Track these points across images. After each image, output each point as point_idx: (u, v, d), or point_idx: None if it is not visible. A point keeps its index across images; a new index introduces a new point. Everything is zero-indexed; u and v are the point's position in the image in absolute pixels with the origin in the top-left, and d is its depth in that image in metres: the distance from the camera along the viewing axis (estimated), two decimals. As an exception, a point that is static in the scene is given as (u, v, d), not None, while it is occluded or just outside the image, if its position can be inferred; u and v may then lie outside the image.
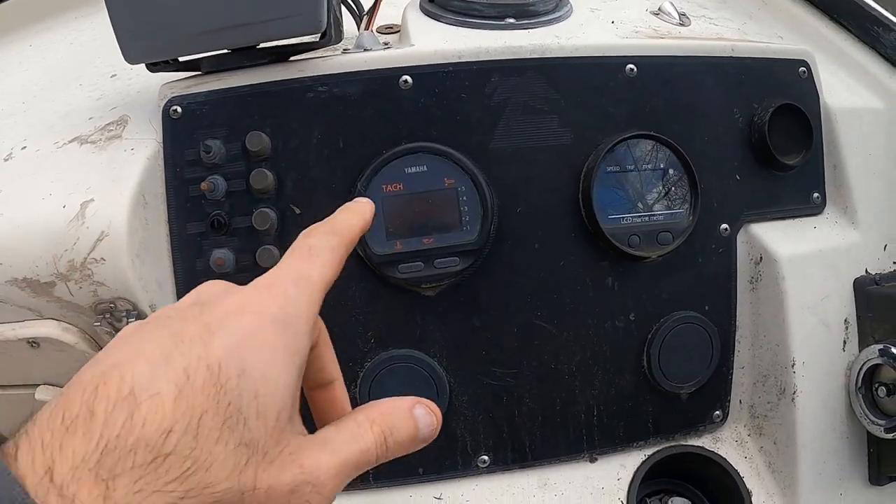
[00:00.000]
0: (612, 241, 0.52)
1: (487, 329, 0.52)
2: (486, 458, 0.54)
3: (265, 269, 0.51)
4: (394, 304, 0.51)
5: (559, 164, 0.53)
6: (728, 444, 0.57)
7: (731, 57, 0.57)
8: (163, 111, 0.52)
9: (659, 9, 0.65)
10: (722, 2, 0.71)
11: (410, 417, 0.29)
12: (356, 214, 0.34)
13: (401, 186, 0.50)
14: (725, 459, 0.56)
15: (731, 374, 0.57)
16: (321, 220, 0.34)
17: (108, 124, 0.58)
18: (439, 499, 0.54)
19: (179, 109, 0.52)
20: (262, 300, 0.26)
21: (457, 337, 0.52)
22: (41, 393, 0.55)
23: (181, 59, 0.54)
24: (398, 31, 0.63)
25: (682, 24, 0.63)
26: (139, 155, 0.53)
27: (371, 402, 0.29)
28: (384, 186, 0.50)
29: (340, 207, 0.35)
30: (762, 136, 0.55)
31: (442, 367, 0.52)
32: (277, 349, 0.25)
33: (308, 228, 0.32)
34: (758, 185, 0.56)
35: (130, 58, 0.53)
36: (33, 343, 0.52)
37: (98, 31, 0.78)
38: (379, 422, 0.28)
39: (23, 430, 0.22)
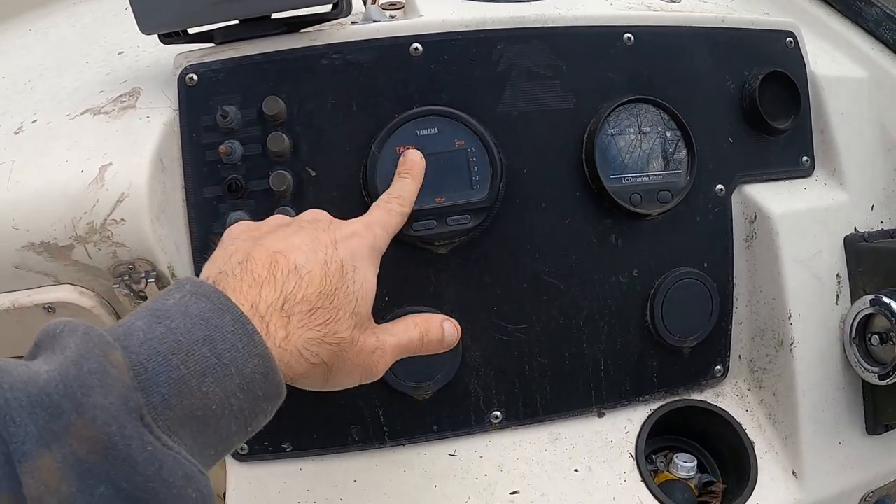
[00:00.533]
0: (615, 199, 0.55)
1: (498, 285, 0.55)
2: (498, 413, 0.56)
3: (282, 230, 0.54)
4: (407, 261, 0.54)
5: (563, 127, 0.56)
6: (729, 398, 0.60)
7: (721, 28, 0.61)
8: (178, 79, 0.55)
9: (651, -14, 0.69)
10: None
11: (440, 327, 0.46)
12: (416, 181, 0.50)
13: (413, 148, 0.53)
14: (728, 413, 0.59)
15: (731, 329, 0.60)
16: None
17: (121, 96, 0.60)
18: (454, 455, 0.56)
19: (195, 77, 0.54)
20: (365, 233, 0.43)
21: (469, 293, 0.55)
22: (55, 360, 0.57)
23: (194, 30, 0.57)
24: (401, 8, 0.67)
25: (672, 1, 0.68)
26: (155, 122, 0.55)
27: (416, 313, 0.47)
28: (397, 148, 0.53)
29: (402, 169, 0.51)
30: (753, 101, 0.59)
31: (454, 323, 0.54)
32: (371, 262, 0.42)
33: (384, 194, 0.49)
34: (750, 149, 0.60)
35: (146, 28, 0.55)
36: (49, 308, 0.54)
37: (99, 13, 0.81)
38: (420, 324, 0.46)
39: (210, 279, 0.36)
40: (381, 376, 0.43)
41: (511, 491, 0.54)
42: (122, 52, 0.68)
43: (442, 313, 0.54)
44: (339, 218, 0.52)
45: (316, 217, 0.43)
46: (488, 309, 0.55)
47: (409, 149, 0.52)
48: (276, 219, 0.44)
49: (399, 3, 0.67)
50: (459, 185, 0.54)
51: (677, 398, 0.59)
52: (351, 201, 0.54)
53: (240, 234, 0.41)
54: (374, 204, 0.47)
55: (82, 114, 0.59)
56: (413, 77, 0.54)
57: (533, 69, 0.56)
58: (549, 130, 0.56)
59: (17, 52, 0.75)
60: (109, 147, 0.54)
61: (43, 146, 0.57)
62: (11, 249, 0.53)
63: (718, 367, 0.60)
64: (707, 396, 0.60)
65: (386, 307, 0.54)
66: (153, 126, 0.55)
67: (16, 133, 0.60)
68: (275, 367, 0.33)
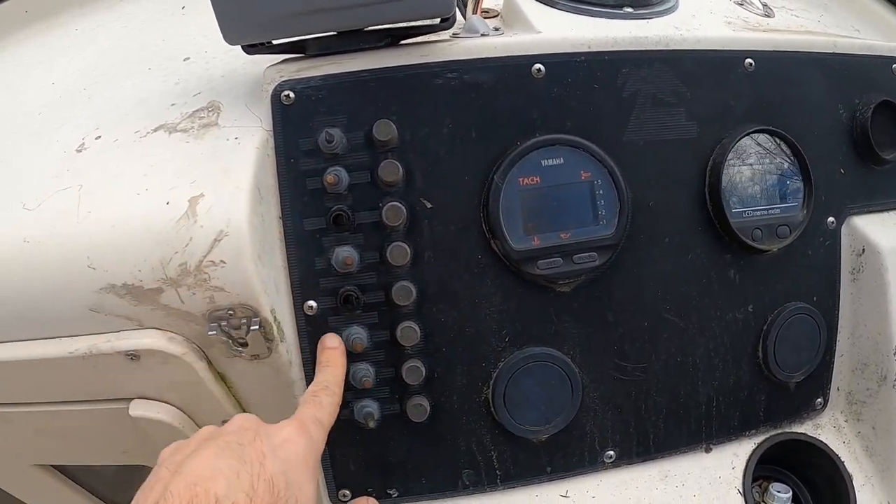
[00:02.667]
0: (738, 235, 0.48)
1: (620, 324, 0.47)
2: (611, 452, 0.49)
3: (396, 268, 0.44)
4: (528, 301, 0.45)
5: (686, 158, 0.48)
6: (827, 429, 0.54)
7: (833, 53, 0.53)
8: (272, 96, 0.44)
9: None
10: None
11: None
12: (341, 367, 0.43)
13: (538, 179, 0.44)
14: (827, 445, 0.53)
15: (833, 362, 0.54)
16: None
17: (197, 111, 0.49)
18: (565, 496, 0.49)
19: (292, 94, 0.44)
20: (297, 437, 0.36)
21: (591, 333, 0.47)
22: (137, 408, 0.46)
23: (282, 41, 0.46)
24: (496, 16, 0.56)
25: (766, 16, 0.59)
26: (246, 144, 0.44)
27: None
28: (521, 179, 0.44)
29: (323, 359, 0.43)
30: (865, 131, 0.52)
31: (575, 364, 0.46)
32: (306, 469, 0.35)
33: (311, 386, 0.41)
34: (858, 180, 0.53)
35: (231, 38, 0.44)
36: (133, 356, 0.43)
37: (151, 14, 0.67)
38: None
39: None
40: None
41: (626, 533, 0.47)
42: (189, 59, 0.56)
43: (563, 354, 0.46)
44: (457, 254, 0.45)
45: (243, 426, 0.36)
46: (610, 349, 0.47)
47: (325, 335, 0.44)
48: (203, 431, 0.36)
49: (493, 10, 0.56)
50: (584, 220, 0.45)
51: (780, 431, 0.53)
52: (470, 236, 0.44)
53: (164, 460, 0.34)
54: (302, 399, 0.40)
55: (155, 131, 0.48)
56: (535, 101, 0.45)
57: (658, 95, 0.47)
58: (673, 161, 0.47)
59: (63, 54, 0.62)
60: (196, 174, 0.43)
61: (113, 169, 0.45)
62: (87, 291, 0.42)
63: (819, 399, 0.54)
64: (806, 428, 0.54)
65: (505, 349, 0.46)
66: (245, 150, 0.44)
67: (78, 151, 0.48)
68: None
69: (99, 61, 0.59)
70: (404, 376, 0.44)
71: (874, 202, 0.54)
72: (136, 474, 0.67)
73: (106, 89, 0.55)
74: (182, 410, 0.48)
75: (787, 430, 0.53)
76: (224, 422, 0.40)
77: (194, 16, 0.65)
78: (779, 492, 0.53)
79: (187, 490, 0.30)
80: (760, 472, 0.55)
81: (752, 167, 0.49)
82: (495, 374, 0.45)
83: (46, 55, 0.63)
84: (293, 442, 0.35)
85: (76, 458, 0.58)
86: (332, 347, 0.43)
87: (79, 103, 0.54)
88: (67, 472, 0.62)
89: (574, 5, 0.50)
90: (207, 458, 0.32)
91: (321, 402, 0.39)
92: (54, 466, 0.61)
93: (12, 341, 0.46)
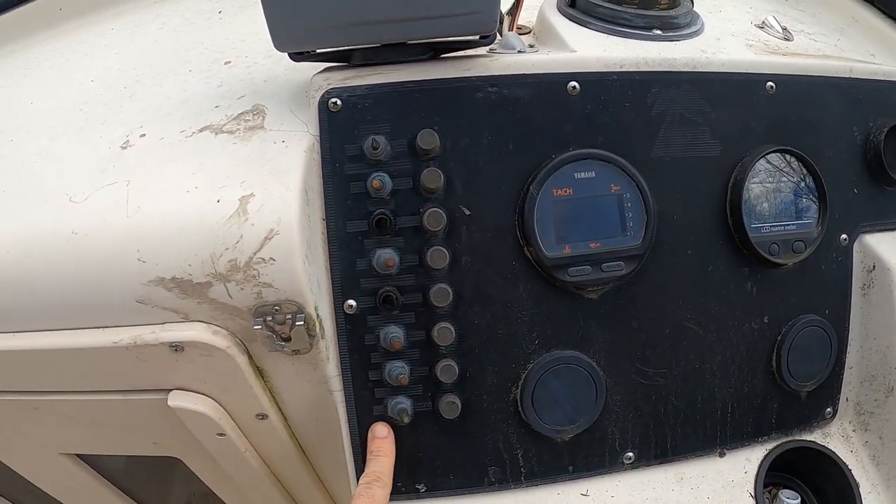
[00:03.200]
0: (756, 249, 0.51)
1: (643, 331, 0.50)
2: (631, 454, 0.51)
3: (434, 271, 0.47)
4: (558, 306, 0.48)
5: (709, 175, 0.51)
6: (836, 438, 0.57)
7: (849, 78, 0.56)
8: (320, 102, 0.46)
9: (763, 22, 0.64)
10: (813, 17, 0.71)
11: None
12: (390, 456, 0.45)
13: (570, 191, 0.47)
14: (835, 453, 0.56)
15: (843, 373, 0.57)
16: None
17: (242, 114, 0.51)
18: (586, 495, 0.51)
19: (339, 102, 0.46)
20: None
21: (616, 339, 0.49)
22: (175, 399, 0.49)
23: (328, 49, 0.48)
24: (529, 32, 0.59)
25: (786, 39, 0.62)
26: (294, 148, 0.47)
27: None
28: (555, 191, 0.47)
29: (374, 448, 0.45)
30: (878, 153, 0.55)
31: (600, 367, 0.49)
32: None
33: (363, 478, 0.43)
34: (871, 199, 0.56)
35: (281, 45, 0.46)
36: (177, 347, 0.45)
37: (187, 15, 0.70)
38: None
39: None
40: None
41: (644, 532, 0.50)
42: (230, 62, 0.59)
43: (589, 357, 0.49)
44: (492, 260, 0.47)
45: None
46: (632, 354, 0.50)
47: (374, 424, 0.47)
48: None
49: (526, 27, 0.59)
50: (613, 231, 0.48)
51: (791, 438, 0.56)
52: (505, 243, 0.47)
53: None
54: (356, 492, 0.42)
55: (200, 131, 0.50)
56: (570, 116, 0.48)
57: (685, 115, 0.50)
58: (696, 177, 0.50)
59: (102, 52, 0.64)
60: (245, 174, 0.45)
61: (160, 167, 0.48)
62: (136, 283, 0.44)
63: (829, 409, 0.57)
64: (816, 437, 0.57)
65: (535, 351, 0.48)
66: (293, 153, 0.46)
67: (123, 148, 0.51)
68: None
69: (138, 61, 0.61)
70: (438, 375, 0.46)
71: (885, 221, 0.57)
72: (159, 467, 0.69)
73: (148, 88, 0.57)
74: (218, 402, 0.50)
75: (798, 437, 0.56)
76: (258, 415, 0.42)
77: (231, 20, 0.67)
78: (788, 498, 0.55)
79: None
80: (771, 478, 0.58)
81: (771, 185, 0.52)
82: (524, 375, 0.48)
83: (84, 52, 0.66)
84: None
85: (106, 448, 0.59)
86: (382, 437, 0.46)
87: (121, 101, 0.56)
88: (92, 463, 0.64)
89: (606, 26, 0.53)
90: None
91: (374, 496, 0.42)
92: (80, 456, 0.63)
93: (56, 330, 0.48)
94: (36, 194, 0.48)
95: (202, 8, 0.69)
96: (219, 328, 0.46)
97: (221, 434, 0.51)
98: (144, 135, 0.51)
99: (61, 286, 0.46)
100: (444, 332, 0.46)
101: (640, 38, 0.52)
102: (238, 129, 0.49)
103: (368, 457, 0.45)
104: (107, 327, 0.47)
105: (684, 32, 0.54)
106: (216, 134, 0.50)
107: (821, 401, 0.56)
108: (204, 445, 0.52)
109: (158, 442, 0.56)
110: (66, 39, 0.70)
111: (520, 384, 0.48)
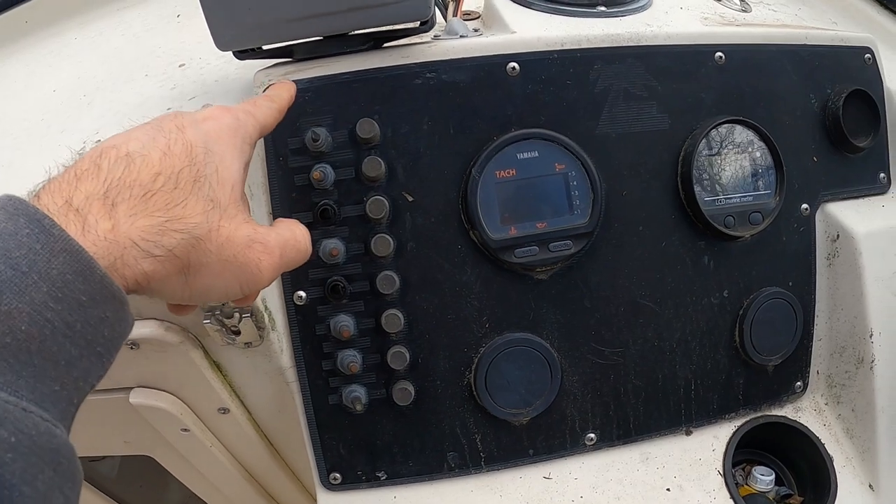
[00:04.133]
0: (710, 222, 0.51)
1: (597, 310, 0.50)
2: (592, 435, 0.52)
3: (380, 258, 0.48)
4: (507, 288, 0.48)
5: (659, 149, 0.51)
6: (808, 412, 0.57)
7: (804, 45, 0.56)
8: (261, 99, 0.48)
9: (720, -3, 0.64)
10: None
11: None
12: (286, 89, 0.42)
13: (513, 172, 0.47)
14: (807, 428, 0.56)
15: (811, 346, 0.56)
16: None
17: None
18: (548, 478, 0.51)
19: (280, 97, 0.47)
20: (221, 115, 0.34)
21: (568, 319, 0.50)
22: (136, 396, 0.50)
23: (271, 46, 0.50)
24: (477, 18, 0.60)
25: (744, 10, 0.62)
26: (238, 144, 0.48)
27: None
28: (497, 172, 0.47)
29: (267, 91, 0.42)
30: (836, 120, 0.55)
31: (554, 348, 0.49)
32: (230, 145, 0.33)
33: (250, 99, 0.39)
34: (832, 167, 0.56)
35: (222, 44, 0.47)
36: (133, 345, 0.47)
37: (148, 20, 0.72)
38: (299, 226, 0.37)
39: (39, 188, 0.28)
40: (268, 282, 0.34)
41: (608, 513, 0.50)
42: (184, 65, 0.60)
43: (541, 339, 0.50)
44: (438, 244, 0.47)
45: (167, 115, 0.34)
46: (587, 334, 0.50)
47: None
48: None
49: (475, 13, 0.60)
50: (560, 210, 0.48)
51: (760, 414, 0.55)
52: (450, 227, 0.48)
53: None
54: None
55: (152, 133, 0.52)
56: (511, 97, 0.48)
57: (630, 90, 0.50)
58: (645, 152, 0.50)
59: (65, 62, 0.66)
60: (191, 172, 0.47)
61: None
62: (89, 282, 0.46)
63: (799, 383, 0.56)
64: (787, 412, 0.56)
65: (486, 334, 0.49)
66: (237, 149, 0.47)
67: (79, 153, 0.52)
68: (91, 262, 0.26)
69: (98, 69, 0.63)
70: (389, 362, 0.47)
71: (847, 189, 0.56)
72: (154, 471, 0.70)
73: (106, 95, 0.59)
74: (179, 398, 0.51)
75: (768, 413, 0.56)
76: (220, 409, 0.42)
77: (189, 23, 0.69)
78: (762, 475, 0.55)
79: (98, 152, 0.29)
80: (744, 455, 0.58)
81: (724, 156, 0.52)
82: (477, 359, 0.49)
83: (47, 63, 0.68)
84: (215, 119, 0.34)
85: (79, 450, 0.61)
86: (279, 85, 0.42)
87: (80, 109, 0.58)
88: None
89: (549, 5, 0.53)
90: (127, 132, 0.31)
91: (256, 102, 0.38)
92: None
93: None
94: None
95: (162, 13, 0.71)
96: (171, 324, 0.47)
97: (185, 430, 0.52)
98: (99, 140, 0.53)
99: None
100: (392, 319, 0.47)
101: (584, 16, 0.53)
102: (187, 129, 0.51)
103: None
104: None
105: (630, 7, 0.54)
106: (166, 135, 0.51)
107: (789, 375, 0.56)
108: (170, 442, 0.54)
109: (129, 440, 0.58)
110: (32, 52, 0.72)
111: (473, 368, 0.49)
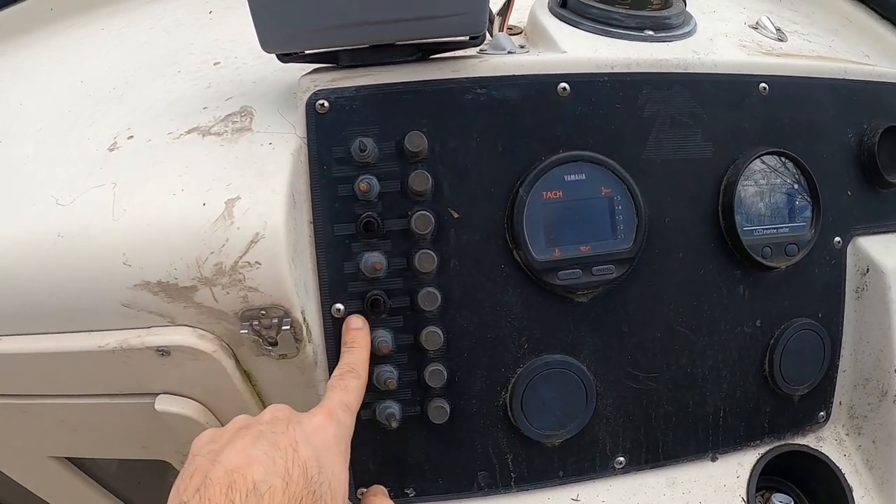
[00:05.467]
0: (748, 252, 0.51)
1: (634, 335, 0.50)
2: (622, 459, 0.51)
3: (423, 274, 0.47)
4: (548, 310, 0.48)
5: (701, 177, 0.51)
6: (829, 442, 0.57)
7: (843, 79, 0.56)
8: (307, 104, 0.46)
9: (757, 23, 0.64)
10: (808, 17, 0.71)
11: None
12: (365, 348, 0.45)
13: (560, 194, 0.47)
14: (828, 457, 0.56)
15: (836, 376, 0.57)
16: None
17: (230, 115, 0.51)
18: (576, 500, 0.51)
19: (326, 104, 0.46)
20: (327, 424, 0.38)
21: (606, 342, 0.49)
22: (162, 403, 0.48)
23: (316, 51, 0.48)
24: (520, 33, 0.59)
25: (780, 40, 0.62)
26: (281, 150, 0.46)
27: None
28: (544, 193, 0.47)
29: (349, 340, 0.45)
30: (872, 155, 0.55)
31: (591, 371, 0.49)
32: (337, 453, 0.37)
33: (337, 370, 0.43)
34: (864, 201, 0.56)
35: (268, 46, 0.46)
36: (164, 352, 0.45)
37: (177, 14, 0.70)
38: None
39: None
40: None
41: (635, 537, 0.50)
42: (219, 63, 0.58)
43: (579, 362, 0.49)
44: (481, 263, 0.47)
45: (275, 416, 0.38)
46: (623, 358, 0.50)
47: (349, 317, 0.46)
48: (238, 420, 0.38)
49: (517, 27, 0.59)
50: (603, 234, 0.48)
51: (783, 442, 0.56)
52: (494, 246, 0.47)
53: (200, 449, 0.36)
54: (329, 384, 0.42)
55: (188, 133, 0.50)
56: (560, 118, 0.48)
57: (676, 116, 0.50)
58: (688, 180, 0.50)
59: (92, 53, 0.64)
60: (231, 177, 0.45)
61: (147, 169, 0.48)
62: (121, 287, 0.44)
63: (822, 413, 0.56)
64: (809, 441, 0.57)
65: (524, 355, 0.48)
66: (280, 155, 0.46)
67: (110, 150, 0.51)
68: None
69: (127, 61, 0.61)
70: (427, 379, 0.46)
71: (879, 224, 0.57)
72: (147, 470, 0.69)
73: (136, 89, 0.57)
74: (206, 407, 0.50)
75: (791, 441, 0.56)
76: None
77: (221, 21, 0.67)
78: (780, 502, 0.55)
79: (226, 476, 0.32)
80: (764, 482, 0.58)
81: (764, 187, 0.52)
82: (514, 380, 0.48)
83: (74, 53, 0.65)
84: (323, 429, 0.37)
85: (95, 452, 0.59)
86: (356, 329, 0.45)
87: (109, 102, 0.56)
88: (81, 466, 0.64)
89: (597, 27, 0.53)
90: (243, 446, 0.34)
91: (347, 387, 0.41)
92: (69, 459, 0.63)
93: (42, 333, 0.48)
94: (23, 197, 0.48)
95: (193, 8, 0.69)
96: (205, 332, 0.45)
97: (209, 438, 0.51)
98: (132, 136, 0.51)
99: (47, 289, 0.46)
100: (432, 337, 0.46)
101: (632, 39, 0.52)
102: (226, 131, 0.49)
103: (343, 349, 0.44)
104: (93, 331, 0.47)
105: (676, 33, 0.54)
106: (203, 136, 0.49)
107: (814, 404, 0.56)
108: (192, 449, 0.52)
109: (147, 445, 0.56)
110: (57, 40, 0.70)
111: (509, 388, 0.48)
